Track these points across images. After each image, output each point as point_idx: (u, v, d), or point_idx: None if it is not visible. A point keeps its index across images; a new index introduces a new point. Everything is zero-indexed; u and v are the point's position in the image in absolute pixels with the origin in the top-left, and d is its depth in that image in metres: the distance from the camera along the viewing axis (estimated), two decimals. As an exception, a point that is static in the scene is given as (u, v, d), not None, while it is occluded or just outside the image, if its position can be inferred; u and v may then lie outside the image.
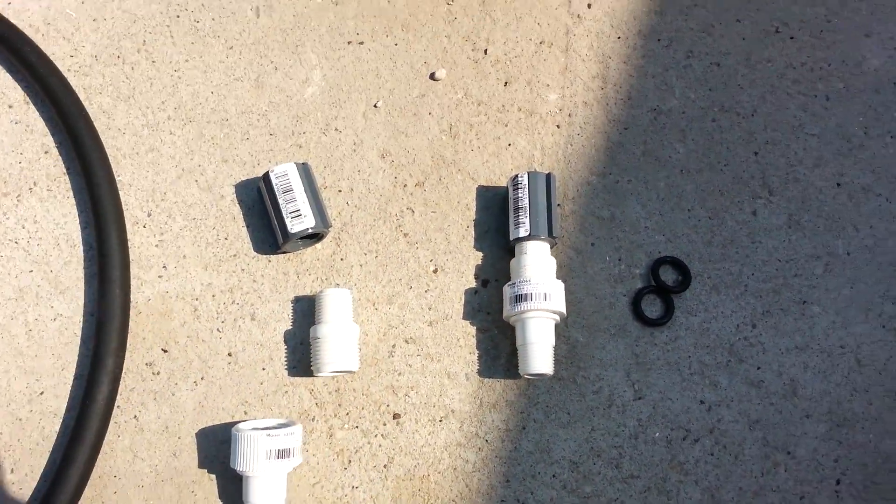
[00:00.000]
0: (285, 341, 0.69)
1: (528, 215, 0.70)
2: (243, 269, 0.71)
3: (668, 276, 0.75)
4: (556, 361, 0.69)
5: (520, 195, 0.70)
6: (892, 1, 0.85)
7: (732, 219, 0.76)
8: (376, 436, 0.68)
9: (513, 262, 0.70)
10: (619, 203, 0.76)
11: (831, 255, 0.76)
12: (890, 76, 0.82)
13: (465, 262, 0.73)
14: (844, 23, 0.84)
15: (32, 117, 0.74)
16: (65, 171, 0.72)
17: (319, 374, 0.66)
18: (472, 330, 0.71)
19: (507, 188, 0.74)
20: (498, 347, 0.71)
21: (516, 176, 0.71)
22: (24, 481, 0.64)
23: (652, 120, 0.79)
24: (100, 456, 0.64)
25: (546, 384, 0.70)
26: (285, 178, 0.68)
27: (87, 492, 0.64)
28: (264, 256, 0.72)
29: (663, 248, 0.75)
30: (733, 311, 0.74)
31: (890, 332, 0.74)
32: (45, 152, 0.73)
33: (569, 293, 0.72)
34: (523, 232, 0.69)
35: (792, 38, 0.83)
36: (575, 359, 0.71)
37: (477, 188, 0.76)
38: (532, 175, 0.71)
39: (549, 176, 0.71)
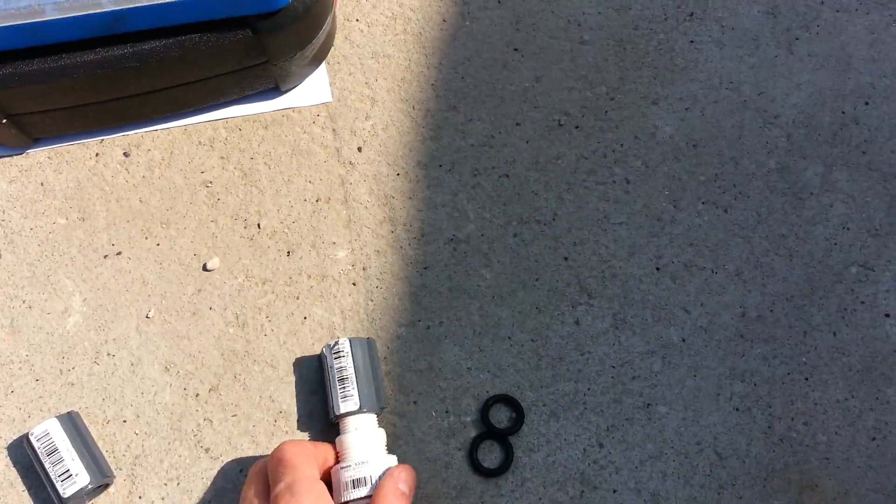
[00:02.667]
0: None
1: (355, 386, 0.72)
2: (31, 539, 0.72)
3: (502, 415, 0.78)
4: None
5: (344, 364, 0.73)
6: (671, 62, 0.92)
7: (556, 335, 0.81)
8: None
9: (341, 440, 0.71)
10: (434, 350, 0.80)
11: (666, 346, 0.81)
12: (686, 139, 0.89)
13: (280, 461, 0.76)
14: (628, 96, 0.91)
15: None
16: None
17: None
18: (301, 535, 0.73)
19: (320, 360, 0.77)
20: (333, 547, 0.73)
21: (337, 342, 0.74)
22: None
23: (451, 251, 0.84)
24: None
25: (390, 576, 0.72)
26: (47, 437, 0.70)
27: None
28: (53, 518, 0.73)
29: (491, 386, 0.79)
30: (576, 436, 0.77)
31: (744, 412, 0.78)
32: None
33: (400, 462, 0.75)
34: (353, 405, 0.72)
35: (577, 127, 0.89)
36: (418, 537, 0.74)
37: (279, 376, 0.79)
38: (354, 341, 0.74)
39: (369, 341, 0.76)
